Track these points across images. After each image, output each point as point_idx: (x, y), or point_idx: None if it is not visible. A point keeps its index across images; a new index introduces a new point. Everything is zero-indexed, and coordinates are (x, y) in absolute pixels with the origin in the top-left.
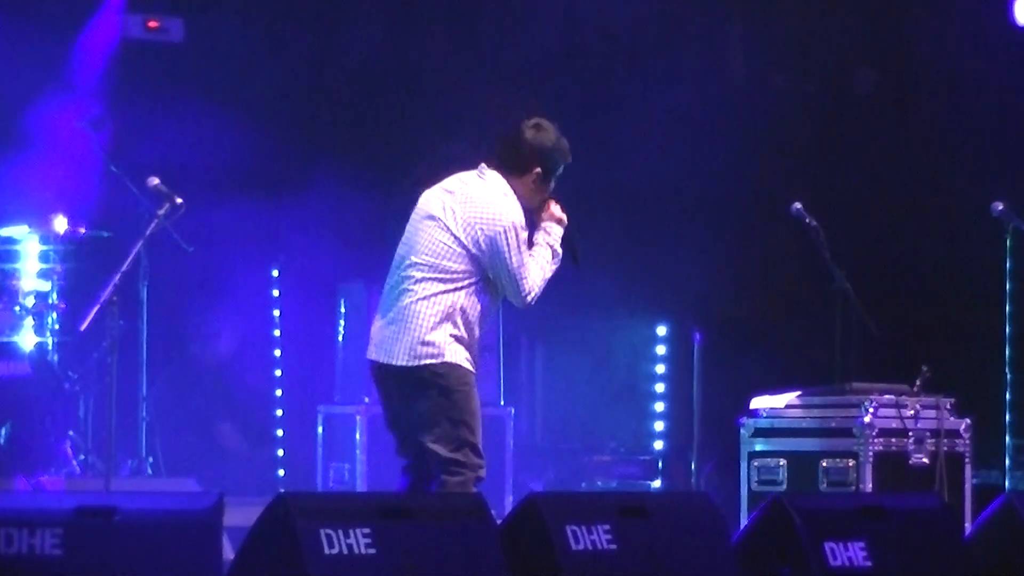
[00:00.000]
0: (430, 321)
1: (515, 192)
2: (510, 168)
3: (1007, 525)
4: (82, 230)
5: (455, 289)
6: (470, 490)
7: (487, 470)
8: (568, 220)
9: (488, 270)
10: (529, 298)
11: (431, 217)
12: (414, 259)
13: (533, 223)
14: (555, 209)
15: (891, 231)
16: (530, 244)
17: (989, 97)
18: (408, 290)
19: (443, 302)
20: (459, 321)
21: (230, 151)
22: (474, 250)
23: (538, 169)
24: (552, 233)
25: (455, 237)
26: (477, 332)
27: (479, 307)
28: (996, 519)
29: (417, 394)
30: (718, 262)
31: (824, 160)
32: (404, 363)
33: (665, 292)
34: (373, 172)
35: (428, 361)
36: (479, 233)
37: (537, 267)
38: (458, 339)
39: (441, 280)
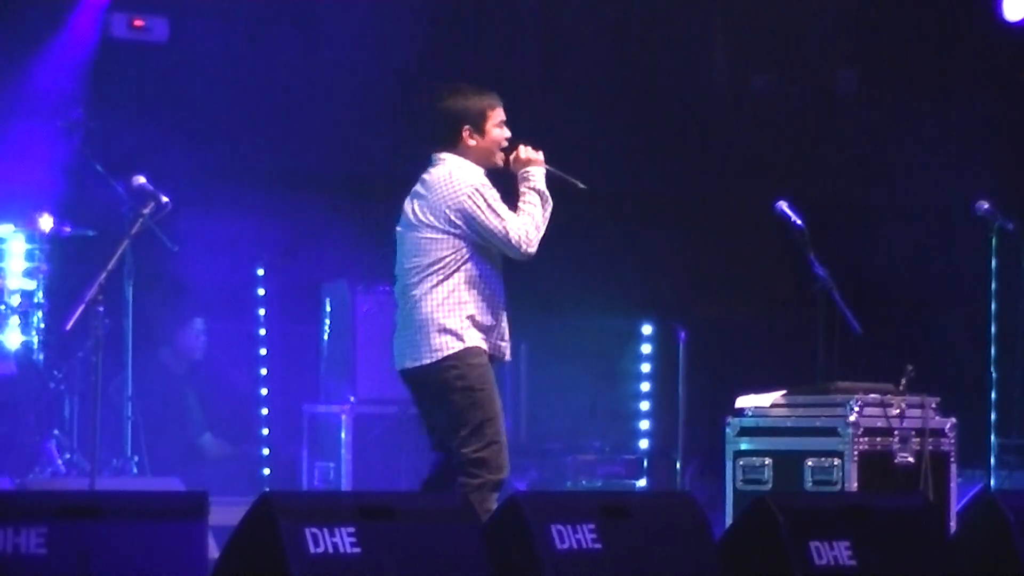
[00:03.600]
0: (440, 312)
1: (469, 158)
2: (449, 142)
3: (990, 523)
4: (67, 229)
5: (452, 273)
6: (486, 494)
7: None
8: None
9: (477, 238)
10: (524, 248)
11: (407, 224)
12: (407, 266)
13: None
14: (524, 152)
15: (875, 230)
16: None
17: (974, 95)
18: (411, 295)
19: (445, 289)
20: (467, 298)
21: (215, 150)
22: (453, 230)
23: (467, 126)
24: (532, 177)
25: (431, 227)
26: (492, 299)
27: (480, 275)
28: (979, 517)
29: (443, 396)
30: (703, 261)
31: (807, 159)
32: (426, 362)
33: (650, 290)
34: (357, 171)
35: (448, 352)
36: (448, 212)
37: (525, 216)
38: (473, 319)
39: (436, 272)
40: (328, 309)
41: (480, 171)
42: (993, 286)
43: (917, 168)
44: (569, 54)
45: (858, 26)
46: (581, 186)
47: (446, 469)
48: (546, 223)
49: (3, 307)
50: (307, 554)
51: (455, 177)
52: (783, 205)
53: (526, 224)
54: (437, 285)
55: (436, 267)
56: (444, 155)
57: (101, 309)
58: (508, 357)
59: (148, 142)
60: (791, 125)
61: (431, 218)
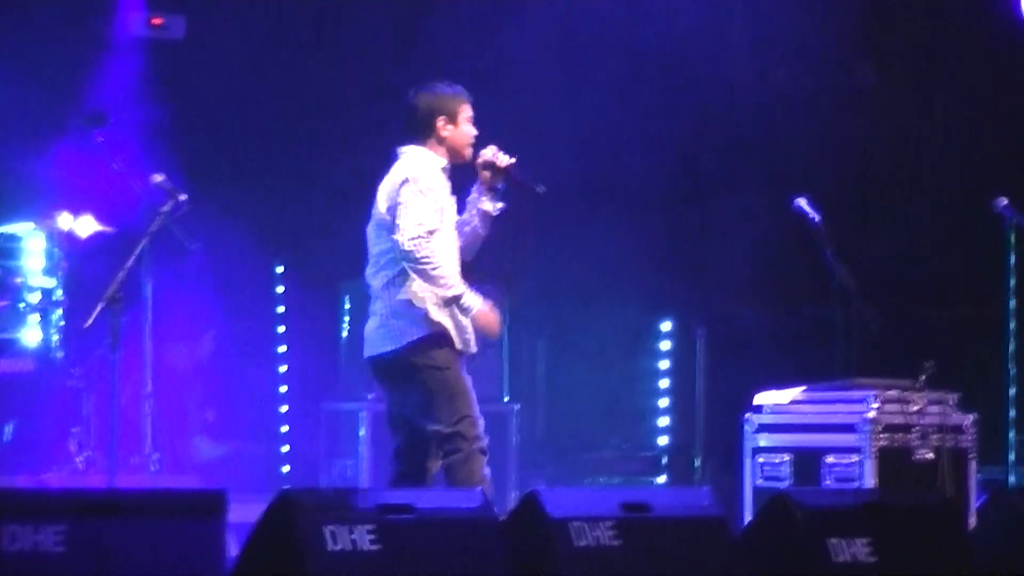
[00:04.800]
0: (406, 295)
1: (440, 150)
2: (421, 134)
3: (1008, 519)
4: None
5: None
6: (475, 463)
7: (492, 465)
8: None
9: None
10: (404, 241)
11: (374, 214)
12: (375, 255)
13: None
14: (490, 152)
15: (894, 225)
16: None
17: (994, 91)
18: (380, 283)
19: (406, 276)
20: (427, 285)
21: (233, 148)
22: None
23: (442, 117)
24: (467, 303)
25: (390, 219)
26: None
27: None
28: (997, 513)
29: (411, 379)
30: (721, 257)
31: (825, 155)
32: (394, 347)
33: (668, 287)
34: (377, 168)
35: (414, 337)
36: (396, 197)
37: (443, 256)
38: (438, 306)
39: (395, 259)
40: (347, 306)
41: (437, 165)
42: (1011, 282)
43: (935, 164)
44: (585, 50)
45: (877, 21)
46: (540, 190)
47: (410, 449)
48: (443, 288)
49: (22, 305)
50: (326, 551)
51: (406, 167)
52: (802, 202)
53: (428, 246)
54: (400, 273)
55: (393, 255)
56: (407, 148)
57: (120, 307)
58: (475, 349)
59: (166, 139)
60: (809, 120)
61: (387, 205)
